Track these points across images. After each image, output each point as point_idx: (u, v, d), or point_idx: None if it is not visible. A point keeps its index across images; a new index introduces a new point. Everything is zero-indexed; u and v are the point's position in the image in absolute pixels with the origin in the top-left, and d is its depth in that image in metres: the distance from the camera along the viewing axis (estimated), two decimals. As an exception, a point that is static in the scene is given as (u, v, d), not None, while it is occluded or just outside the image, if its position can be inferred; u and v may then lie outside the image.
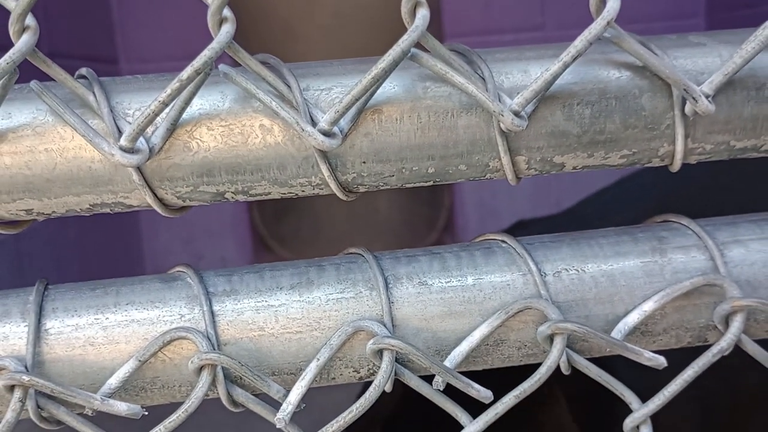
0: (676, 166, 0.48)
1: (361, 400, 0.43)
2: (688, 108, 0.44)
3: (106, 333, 0.45)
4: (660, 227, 0.49)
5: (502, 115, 0.43)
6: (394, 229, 2.44)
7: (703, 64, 0.45)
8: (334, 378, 0.46)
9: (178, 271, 0.48)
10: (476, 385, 0.43)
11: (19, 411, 0.42)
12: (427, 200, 2.45)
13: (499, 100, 0.43)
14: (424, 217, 2.51)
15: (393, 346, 0.44)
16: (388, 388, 0.45)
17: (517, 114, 0.43)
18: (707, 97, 0.43)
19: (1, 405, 0.44)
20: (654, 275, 0.47)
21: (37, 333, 0.44)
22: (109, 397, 0.44)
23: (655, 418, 0.46)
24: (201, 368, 0.44)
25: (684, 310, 0.46)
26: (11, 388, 0.43)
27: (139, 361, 0.44)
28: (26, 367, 0.43)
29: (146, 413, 0.44)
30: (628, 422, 0.46)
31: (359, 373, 0.46)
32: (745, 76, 0.45)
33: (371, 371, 0.46)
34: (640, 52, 0.43)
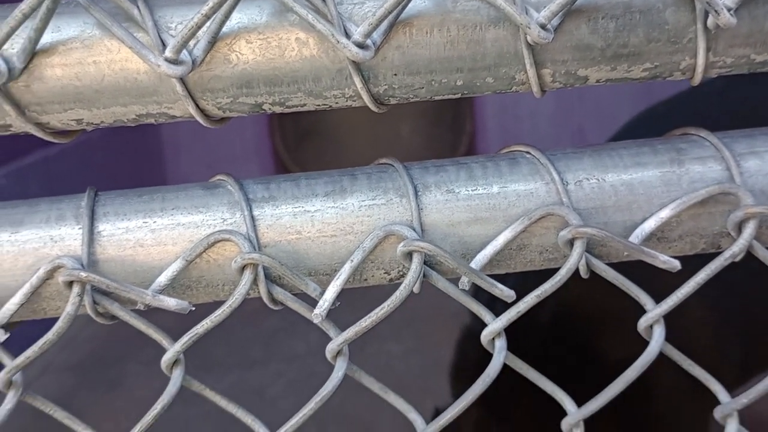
0: (696, 80, 0.49)
1: (392, 298, 0.46)
2: (710, 21, 0.46)
3: (154, 235, 0.48)
4: (679, 139, 0.51)
5: (529, 28, 0.44)
6: (416, 154, 2.46)
7: (727, -22, 0.46)
8: (366, 279, 0.49)
9: (218, 180, 0.51)
10: (500, 285, 0.46)
11: (78, 305, 0.46)
12: (450, 126, 2.46)
13: (526, 14, 0.45)
14: (446, 143, 2.52)
15: (422, 248, 0.46)
16: (416, 290, 0.48)
17: (543, 27, 0.45)
18: (729, 10, 0.45)
19: (60, 300, 0.48)
20: (671, 185, 0.49)
21: (91, 235, 0.48)
22: (159, 293, 0.47)
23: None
24: (243, 268, 0.47)
25: (699, 218, 0.49)
26: (70, 285, 0.46)
27: (186, 260, 0.47)
28: (82, 266, 0.47)
29: (193, 309, 0.48)
30: (642, 322, 0.48)
31: (390, 274, 0.49)
32: (768, -10, 0.46)
33: (401, 273, 0.49)
34: (665, -34, 0.45)
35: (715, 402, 0.52)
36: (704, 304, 1.10)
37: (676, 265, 0.46)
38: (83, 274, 0.45)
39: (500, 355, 0.47)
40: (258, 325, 2.84)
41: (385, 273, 0.49)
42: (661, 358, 0.49)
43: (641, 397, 0.99)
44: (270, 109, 0.50)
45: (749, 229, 0.47)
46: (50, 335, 0.45)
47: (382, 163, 0.52)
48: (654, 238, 0.49)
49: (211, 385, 0.51)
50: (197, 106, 0.48)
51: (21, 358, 0.46)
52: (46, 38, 0.46)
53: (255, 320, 2.87)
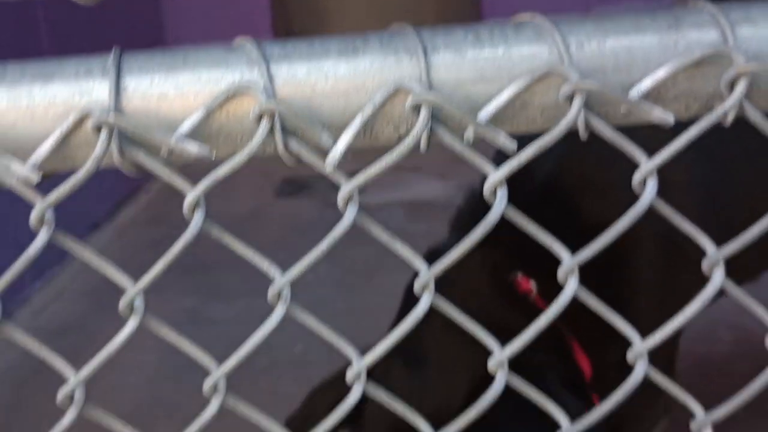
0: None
1: (399, 147, 0.49)
2: None
3: (176, 89, 0.51)
4: (678, 8, 0.53)
5: None
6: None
7: None
8: (376, 135, 0.52)
9: (238, 43, 0.54)
10: (503, 135, 0.49)
11: (105, 148, 0.49)
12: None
13: None
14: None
15: (429, 100, 0.49)
16: (422, 146, 0.51)
17: None
18: None
19: (88, 149, 0.51)
20: (668, 48, 0.51)
21: (118, 87, 0.51)
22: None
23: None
24: (260, 118, 0.50)
25: (694, 79, 0.51)
26: (98, 131, 0.49)
27: (207, 111, 0.50)
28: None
29: (213, 159, 0.51)
30: (637, 177, 0.51)
31: (399, 131, 0.52)
32: None
33: (410, 130, 0.52)
34: None
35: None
36: (688, 175, 1.14)
37: (670, 119, 0.49)
38: (111, 119, 0.48)
39: (501, 203, 0.50)
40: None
41: (394, 129, 0.52)
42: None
43: (619, 260, 1.03)
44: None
45: (740, 86, 0.49)
46: (80, 175, 0.49)
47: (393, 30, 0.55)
48: (650, 98, 0.51)
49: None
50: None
51: (53, 196, 0.49)
52: None
53: (264, 255, 2.91)
